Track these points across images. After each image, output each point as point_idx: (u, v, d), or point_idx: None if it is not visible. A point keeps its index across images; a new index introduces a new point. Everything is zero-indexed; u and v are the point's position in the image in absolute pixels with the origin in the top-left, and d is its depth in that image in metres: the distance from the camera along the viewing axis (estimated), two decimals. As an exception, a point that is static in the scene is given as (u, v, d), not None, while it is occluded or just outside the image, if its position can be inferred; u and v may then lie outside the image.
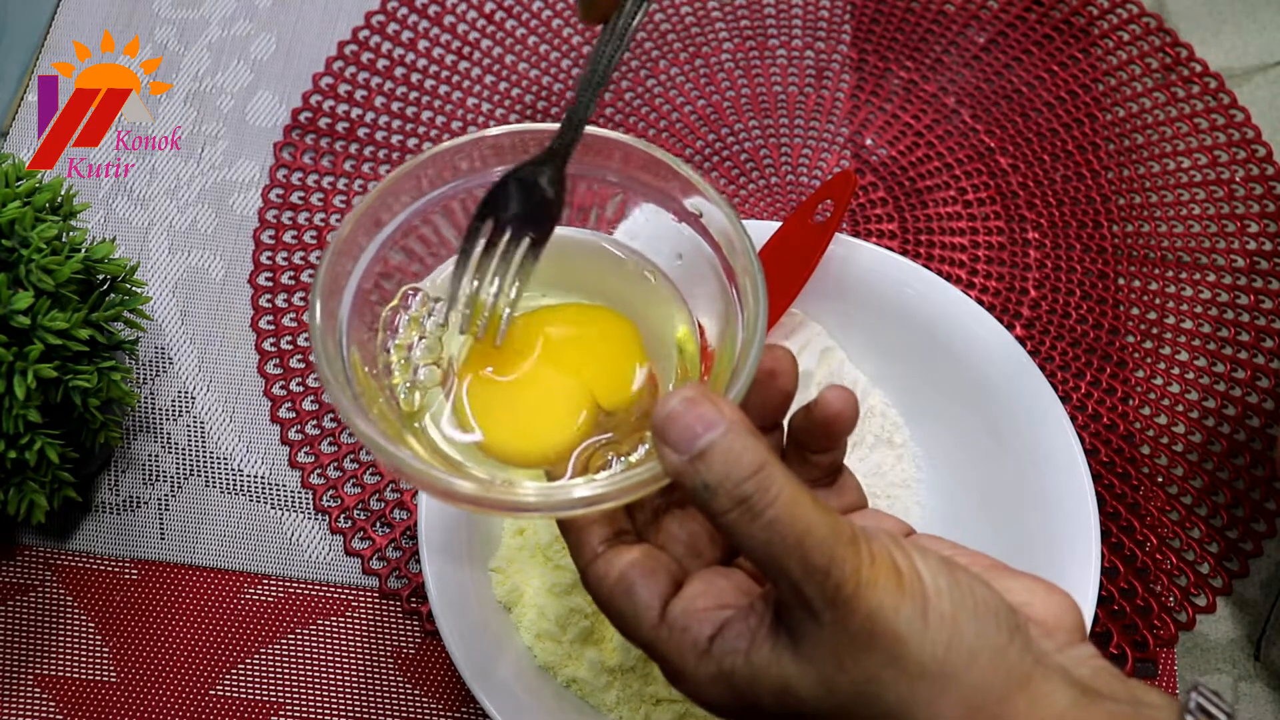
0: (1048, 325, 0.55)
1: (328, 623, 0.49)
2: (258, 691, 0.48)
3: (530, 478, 0.32)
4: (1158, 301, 0.55)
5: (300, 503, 0.51)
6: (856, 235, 0.56)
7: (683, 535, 0.32)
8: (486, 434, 0.32)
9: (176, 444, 0.52)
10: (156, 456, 0.52)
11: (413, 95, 0.60)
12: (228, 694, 0.48)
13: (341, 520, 0.50)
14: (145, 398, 0.53)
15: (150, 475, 0.51)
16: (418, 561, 0.49)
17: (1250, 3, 0.63)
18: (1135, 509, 0.51)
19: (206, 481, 0.51)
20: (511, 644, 0.44)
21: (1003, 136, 0.59)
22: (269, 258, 0.56)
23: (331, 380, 0.30)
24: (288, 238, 0.56)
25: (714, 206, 0.32)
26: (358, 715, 0.47)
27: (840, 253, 0.49)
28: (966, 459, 0.48)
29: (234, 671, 0.48)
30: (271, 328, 0.54)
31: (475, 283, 0.33)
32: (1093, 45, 0.62)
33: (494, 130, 0.33)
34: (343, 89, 0.60)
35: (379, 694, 0.48)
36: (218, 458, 0.52)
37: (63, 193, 0.44)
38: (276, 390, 0.53)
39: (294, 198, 0.57)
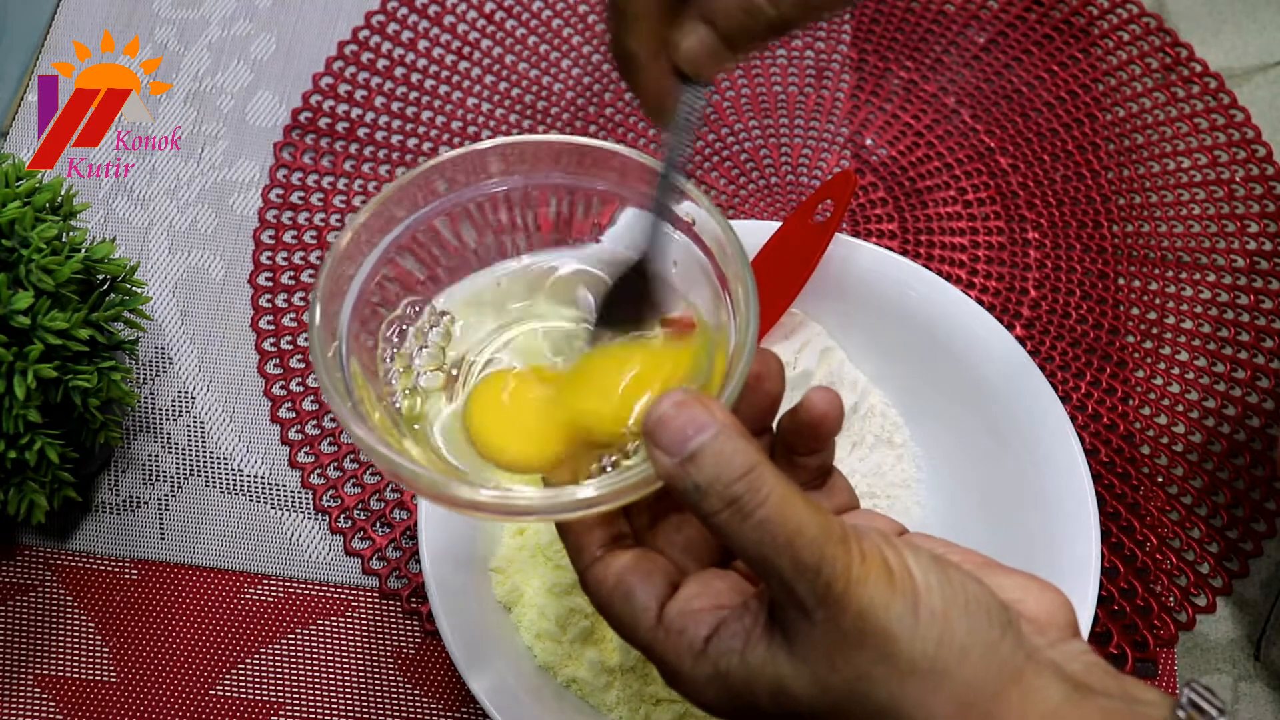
0: (1048, 325, 0.55)
1: (328, 623, 0.49)
2: (258, 691, 0.48)
3: (527, 482, 0.32)
4: (1158, 301, 0.55)
5: (300, 503, 0.51)
6: (856, 235, 0.56)
7: (680, 539, 0.32)
8: (484, 439, 0.32)
9: (176, 444, 0.52)
10: (156, 456, 0.52)
11: (413, 95, 0.60)
12: (228, 694, 0.48)
13: (341, 520, 0.50)
14: (145, 398, 0.53)
15: (150, 475, 0.51)
16: (418, 561, 0.49)
17: (1250, 3, 0.63)
18: (1135, 509, 0.51)
19: (206, 481, 0.51)
20: (511, 644, 0.44)
21: (1003, 136, 0.59)
22: (269, 258, 0.56)
23: (330, 387, 0.30)
24: (288, 238, 0.56)
25: (706, 214, 0.33)
26: (358, 715, 0.47)
27: (840, 253, 0.49)
28: (966, 459, 0.48)
29: (234, 671, 0.48)
30: (271, 328, 0.54)
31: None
32: (1093, 45, 0.62)
33: (496, 141, 0.34)
34: (343, 89, 0.60)
35: (379, 694, 0.48)
36: (218, 458, 0.52)
37: (63, 193, 0.44)
38: (276, 390, 0.53)
39: (294, 198, 0.57)
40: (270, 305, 0.55)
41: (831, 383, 0.49)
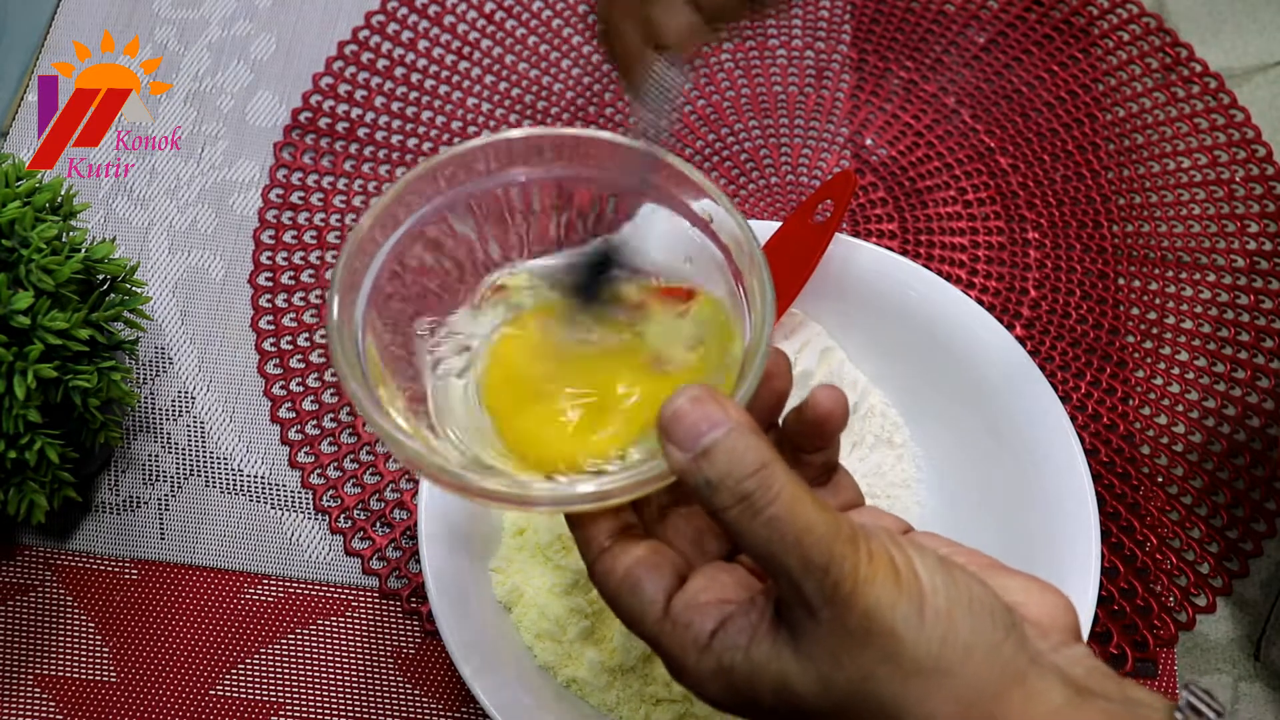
0: (1048, 325, 0.55)
1: (328, 623, 0.49)
2: (258, 691, 0.48)
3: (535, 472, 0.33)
4: (1158, 301, 0.55)
5: (300, 503, 0.51)
6: (856, 235, 0.56)
7: (688, 531, 0.32)
8: (500, 428, 0.33)
9: (176, 444, 0.52)
10: (156, 456, 0.52)
11: (413, 95, 0.60)
12: (228, 694, 0.48)
13: (341, 520, 0.50)
14: (145, 398, 0.53)
15: (150, 475, 0.51)
16: (418, 561, 0.49)
17: (1250, 3, 0.63)
18: (1135, 509, 0.51)
19: (206, 481, 0.51)
20: (511, 644, 0.44)
21: (1003, 136, 0.59)
22: (269, 258, 0.56)
23: (349, 375, 0.30)
24: (288, 238, 0.56)
25: (723, 211, 0.33)
26: (358, 715, 0.47)
27: (840, 253, 0.49)
28: (966, 459, 0.48)
29: (234, 671, 0.48)
30: (271, 328, 0.54)
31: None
32: (1093, 45, 0.62)
33: (510, 133, 0.34)
34: (343, 89, 0.60)
35: (379, 694, 0.48)
36: (218, 458, 0.52)
37: (63, 193, 0.44)
38: (276, 390, 0.53)
39: (294, 198, 0.57)
40: (270, 305, 0.55)
41: (831, 383, 0.49)
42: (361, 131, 0.59)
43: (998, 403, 0.47)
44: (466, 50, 0.61)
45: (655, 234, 0.35)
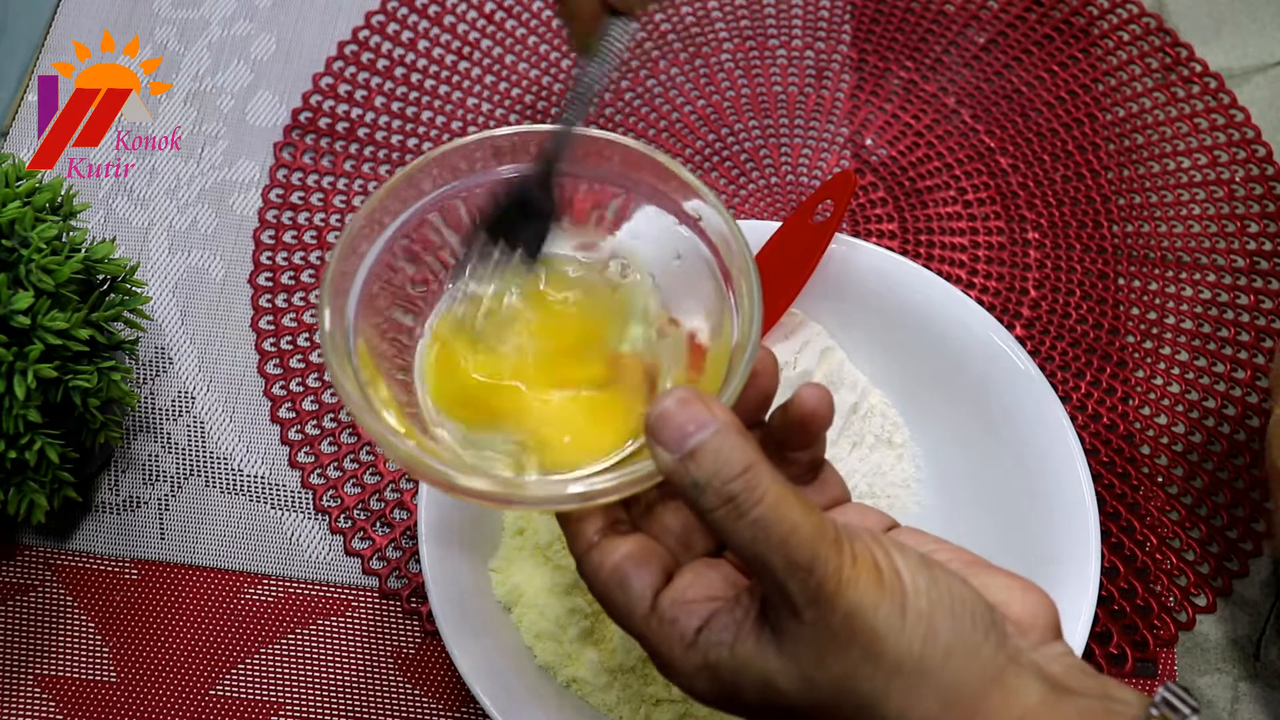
0: (1048, 325, 0.55)
1: (328, 623, 0.49)
2: (258, 691, 0.48)
3: (529, 470, 0.33)
4: (1158, 301, 0.55)
5: (300, 503, 0.51)
6: (856, 235, 0.56)
7: (676, 526, 0.32)
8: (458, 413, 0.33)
9: (176, 444, 0.52)
10: (156, 456, 0.52)
11: (413, 95, 0.60)
12: (228, 694, 0.48)
13: (341, 520, 0.50)
14: (145, 398, 0.53)
15: (150, 475, 0.51)
16: (418, 561, 0.49)
17: (1250, 3, 0.63)
18: (1135, 509, 0.51)
19: (206, 481, 0.51)
20: (511, 644, 0.44)
21: (1003, 136, 0.59)
22: (269, 258, 0.56)
23: (340, 376, 0.30)
24: (288, 238, 0.56)
25: (712, 210, 0.33)
26: (358, 715, 0.47)
27: (840, 253, 0.50)
28: (966, 459, 0.48)
29: (234, 671, 0.48)
30: (271, 328, 0.54)
31: (474, 288, 0.34)
32: (1093, 45, 0.62)
33: (497, 131, 0.34)
34: (343, 89, 0.60)
35: (379, 694, 0.48)
36: (218, 458, 0.52)
37: (63, 193, 0.44)
38: (276, 390, 0.53)
39: (294, 198, 0.57)
40: (270, 305, 0.55)
41: (831, 383, 0.49)
42: (361, 131, 0.59)
43: (998, 403, 0.47)
44: (466, 50, 0.61)
45: (645, 230, 0.35)
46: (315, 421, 0.52)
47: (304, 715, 0.47)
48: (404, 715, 0.47)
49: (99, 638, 0.49)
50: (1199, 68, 0.61)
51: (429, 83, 0.60)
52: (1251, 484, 0.51)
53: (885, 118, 0.60)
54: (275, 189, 0.57)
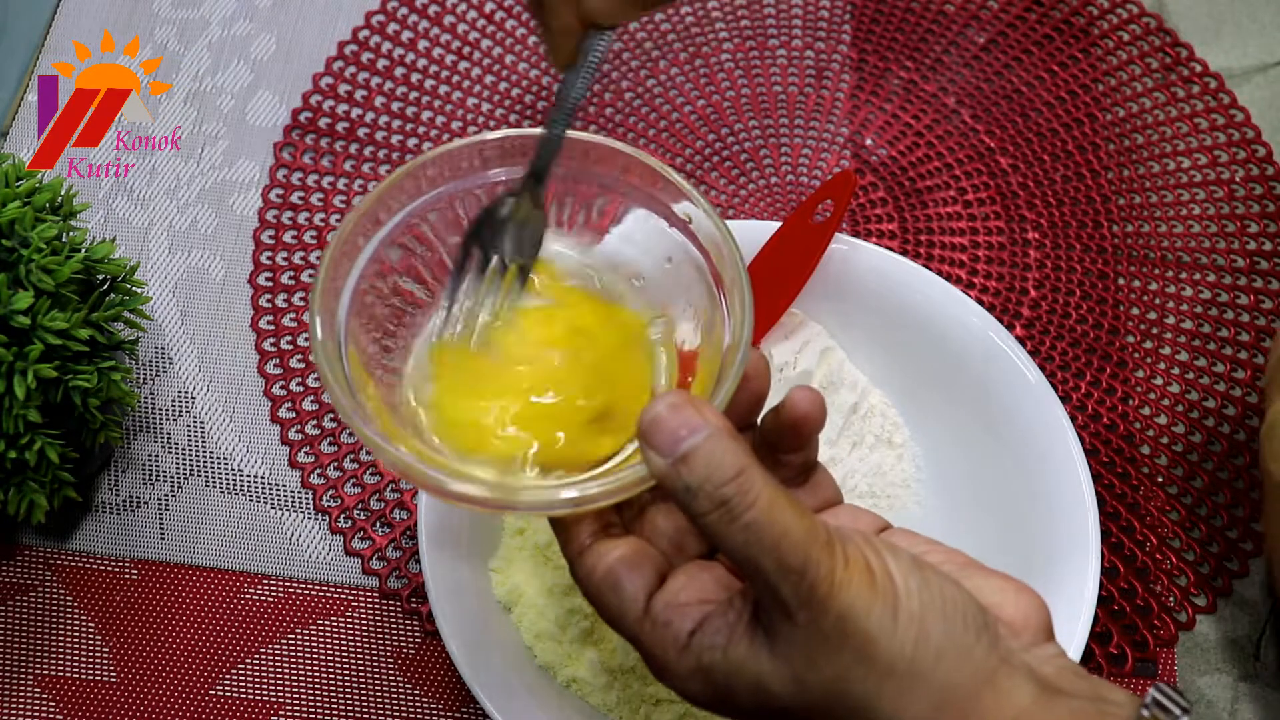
0: (1048, 325, 0.55)
1: (328, 623, 0.49)
2: (258, 691, 0.48)
3: (520, 473, 0.33)
4: (1158, 301, 0.55)
5: (300, 503, 0.51)
6: (856, 235, 0.56)
7: (668, 529, 0.32)
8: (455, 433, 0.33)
9: (176, 444, 0.52)
10: (156, 456, 0.52)
11: (413, 95, 0.60)
12: (228, 694, 0.48)
13: (341, 520, 0.50)
14: (145, 398, 0.53)
15: (150, 475, 0.51)
16: (418, 561, 0.49)
17: (1250, 3, 0.63)
18: (1135, 509, 0.51)
19: (206, 481, 0.51)
20: (511, 644, 0.44)
21: (1003, 136, 0.59)
22: (269, 258, 0.56)
23: (332, 381, 0.30)
24: (288, 238, 0.56)
25: (702, 213, 0.33)
26: (358, 715, 0.47)
27: (840, 253, 0.50)
28: (966, 459, 0.48)
29: (234, 671, 0.48)
30: (271, 328, 0.54)
31: (468, 303, 0.35)
32: (1093, 45, 0.62)
33: (486, 135, 0.34)
34: (343, 89, 0.60)
35: (379, 694, 0.48)
36: (218, 458, 0.52)
37: (63, 193, 0.44)
38: (276, 390, 0.53)
39: (294, 198, 0.57)
40: (270, 305, 0.55)
41: (831, 383, 0.49)
42: (361, 131, 0.59)
43: (998, 403, 0.47)
44: (466, 50, 0.61)
45: (635, 234, 0.35)
46: (315, 421, 0.52)
47: (304, 715, 0.47)
48: (404, 715, 0.47)
49: (99, 638, 0.49)
50: (1199, 68, 0.61)
51: (429, 83, 0.60)
52: (1251, 484, 0.51)
53: (885, 118, 0.60)
54: (275, 189, 0.57)
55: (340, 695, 0.48)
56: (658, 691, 0.44)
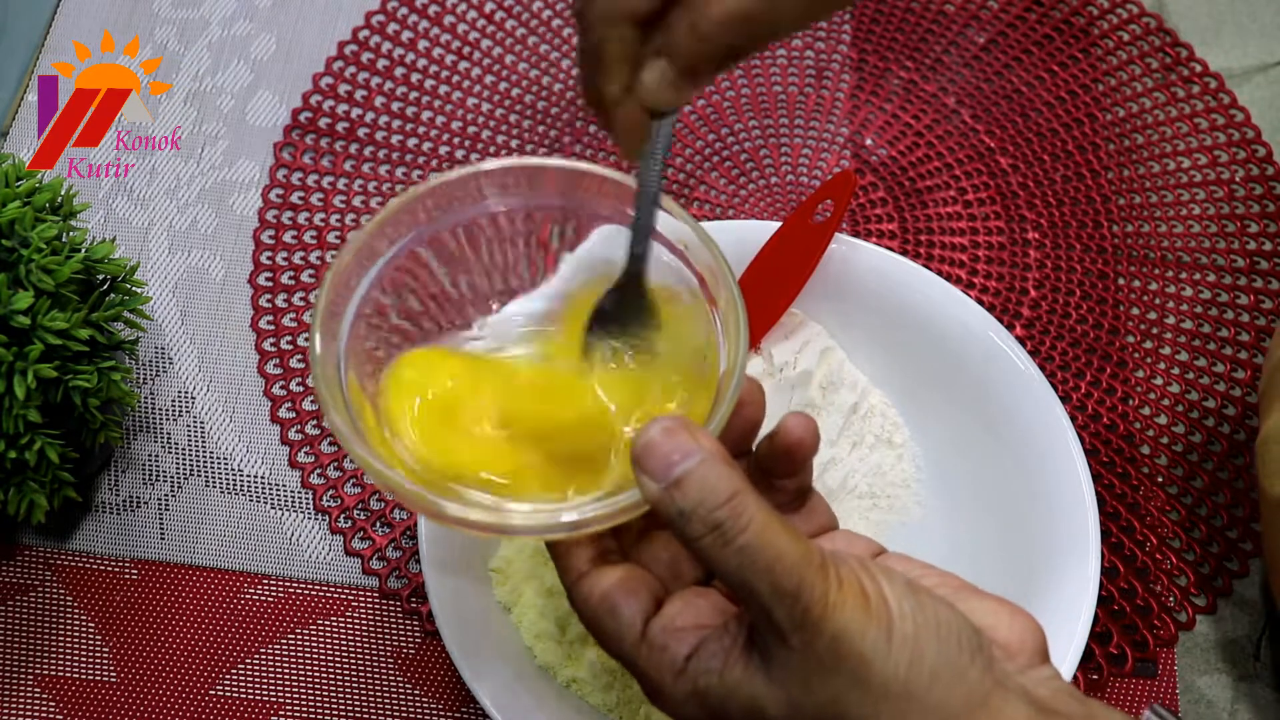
0: (1048, 325, 0.55)
1: (328, 623, 0.49)
2: (258, 691, 0.48)
3: (518, 499, 0.33)
4: (1158, 301, 0.55)
5: (300, 503, 0.51)
6: (856, 235, 0.56)
7: (665, 555, 0.32)
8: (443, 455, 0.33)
9: (176, 444, 0.52)
10: (156, 456, 0.52)
11: (413, 95, 0.60)
12: (228, 694, 0.48)
13: (341, 520, 0.50)
14: (145, 398, 0.53)
15: (150, 475, 0.51)
16: (417, 561, 0.49)
17: (1250, 3, 0.63)
18: (1135, 509, 0.51)
19: (206, 481, 0.51)
20: (512, 644, 0.44)
21: (1003, 136, 0.59)
22: (269, 258, 0.56)
23: (330, 405, 0.31)
24: (288, 238, 0.56)
25: (699, 242, 0.34)
26: (358, 715, 0.47)
27: (840, 253, 0.50)
28: (966, 459, 0.48)
29: (234, 671, 0.48)
30: (271, 328, 0.54)
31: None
32: (1093, 45, 0.62)
33: (485, 164, 0.35)
34: (343, 89, 0.60)
35: (379, 694, 0.48)
36: (218, 458, 0.52)
37: (63, 193, 0.44)
38: (276, 390, 0.53)
39: (294, 198, 0.57)
40: (270, 305, 0.55)
41: (831, 383, 0.49)
42: (361, 131, 0.59)
43: (998, 403, 0.47)
44: (466, 50, 0.61)
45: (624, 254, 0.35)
46: (315, 421, 0.52)
47: (304, 715, 0.47)
48: (404, 715, 0.47)
49: (99, 638, 0.49)
50: (1199, 68, 0.61)
51: (429, 83, 0.60)
52: (1252, 484, 0.51)
53: (885, 118, 0.60)
54: (275, 189, 0.57)
55: (340, 695, 0.48)
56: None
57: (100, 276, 0.45)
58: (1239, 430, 0.52)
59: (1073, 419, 0.47)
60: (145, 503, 0.51)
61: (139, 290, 0.46)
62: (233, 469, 0.51)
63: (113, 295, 0.46)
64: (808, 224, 0.49)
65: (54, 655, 0.48)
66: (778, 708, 0.28)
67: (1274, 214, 0.57)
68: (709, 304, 0.34)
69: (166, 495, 0.51)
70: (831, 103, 0.60)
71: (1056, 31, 0.62)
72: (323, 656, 0.48)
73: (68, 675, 0.48)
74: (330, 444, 0.52)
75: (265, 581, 0.49)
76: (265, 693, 0.48)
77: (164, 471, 0.51)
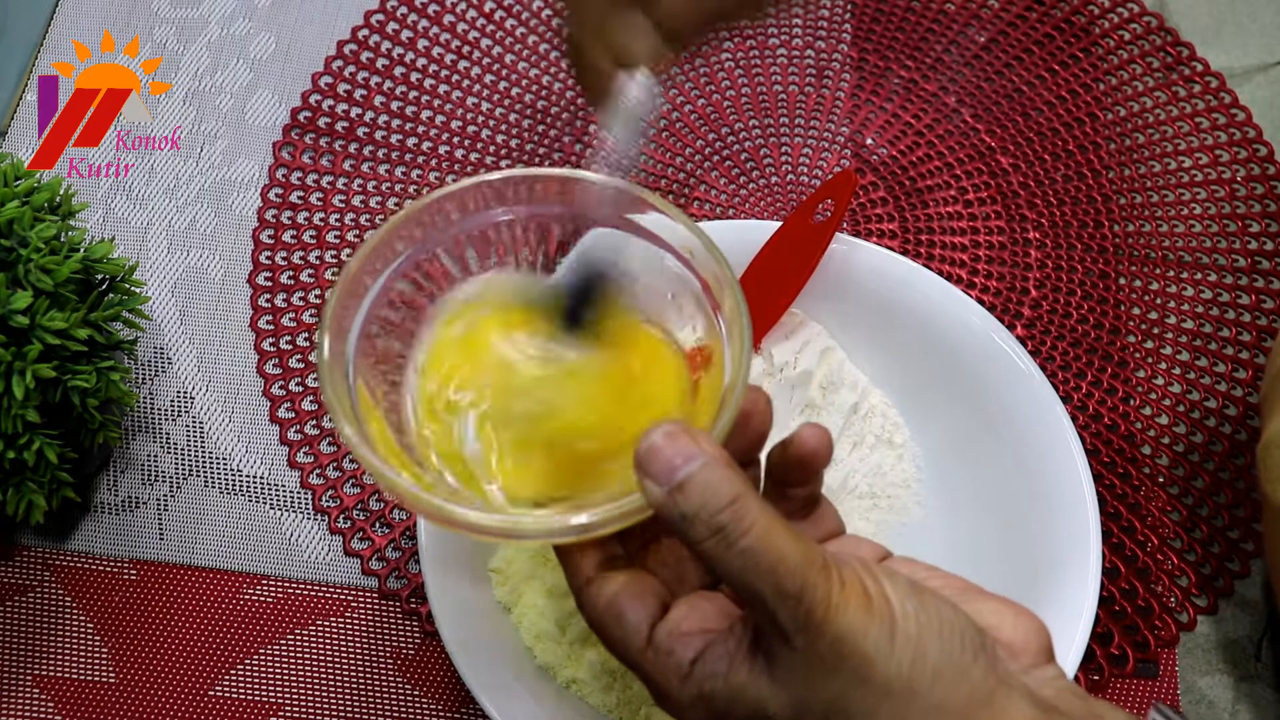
0: (1048, 325, 0.55)
1: (327, 623, 0.49)
2: (257, 692, 0.48)
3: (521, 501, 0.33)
4: (1159, 301, 0.55)
5: (300, 503, 0.51)
6: (856, 235, 0.56)
7: (671, 560, 0.33)
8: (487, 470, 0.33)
9: (175, 444, 0.52)
10: (155, 456, 0.52)
11: (413, 95, 0.60)
12: (227, 694, 0.48)
13: (341, 520, 0.50)
14: (144, 398, 0.53)
15: (149, 475, 0.51)
16: (417, 562, 0.48)
17: (1251, 2, 0.63)
18: (1136, 509, 0.50)
19: (205, 482, 0.51)
20: (511, 644, 0.44)
21: (1003, 136, 0.59)
22: (268, 257, 0.56)
23: (337, 408, 0.31)
24: (287, 237, 0.56)
25: (704, 249, 0.34)
26: (357, 716, 0.47)
27: (840, 253, 0.49)
28: (966, 459, 0.48)
29: (233, 672, 0.48)
30: (270, 328, 0.54)
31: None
32: (1093, 45, 0.62)
33: (490, 175, 0.35)
34: (342, 88, 0.60)
35: (378, 694, 0.47)
36: (217, 458, 0.52)
37: (61, 192, 0.44)
38: (275, 390, 0.53)
39: (293, 197, 0.57)
40: (269, 305, 0.55)
41: (831, 383, 0.49)
42: (361, 131, 0.59)
43: (998, 403, 0.47)
44: (466, 50, 0.61)
45: (639, 267, 0.35)
46: (315, 421, 0.52)
47: (303, 716, 0.47)
48: (403, 716, 0.47)
49: (97, 638, 0.48)
50: (1200, 67, 0.61)
51: (429, 82, 0.60)
52: (1253, 485, 0.51)
53: (885, 117, 0.60)
54: (274, 188, 0.57)
55: (339, 696, 0.47)
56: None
57: (99, 276, 0.45)
58: (1240, 430, 0.52)
59: (1073, 419, 0.47)
60: (144, 503, 0.51)
61: (138, 290, 0.46)
62: (232, 469, 0.51)
63: (111, 295, 0.46)
64: (808, 224, 0.49)
65: (52, 656, 0.48)
66: (782, 708, 0.28)
67: (1275, 214, 0.57)
68: (713, 310, 0.34)
69: (165, 495, 0.51)
70: (832, 102, 0.60)
71: (1057, 31, 0.62)
72: (322, 657, 0.48)
73: (66, 676, 0.48)
74: (329, 444, 0.52)
75: (264, 582, 0.49)
76: (264, 693, 0.47)
77: (163, 472, 0.51)
